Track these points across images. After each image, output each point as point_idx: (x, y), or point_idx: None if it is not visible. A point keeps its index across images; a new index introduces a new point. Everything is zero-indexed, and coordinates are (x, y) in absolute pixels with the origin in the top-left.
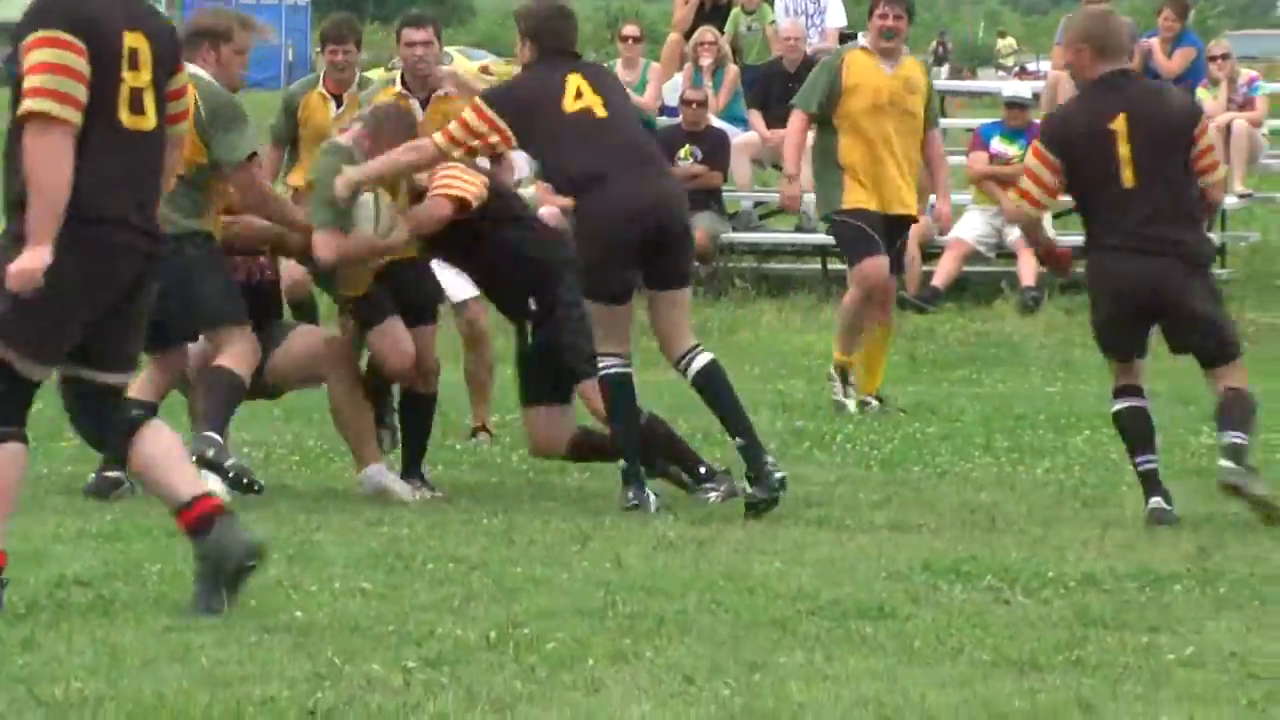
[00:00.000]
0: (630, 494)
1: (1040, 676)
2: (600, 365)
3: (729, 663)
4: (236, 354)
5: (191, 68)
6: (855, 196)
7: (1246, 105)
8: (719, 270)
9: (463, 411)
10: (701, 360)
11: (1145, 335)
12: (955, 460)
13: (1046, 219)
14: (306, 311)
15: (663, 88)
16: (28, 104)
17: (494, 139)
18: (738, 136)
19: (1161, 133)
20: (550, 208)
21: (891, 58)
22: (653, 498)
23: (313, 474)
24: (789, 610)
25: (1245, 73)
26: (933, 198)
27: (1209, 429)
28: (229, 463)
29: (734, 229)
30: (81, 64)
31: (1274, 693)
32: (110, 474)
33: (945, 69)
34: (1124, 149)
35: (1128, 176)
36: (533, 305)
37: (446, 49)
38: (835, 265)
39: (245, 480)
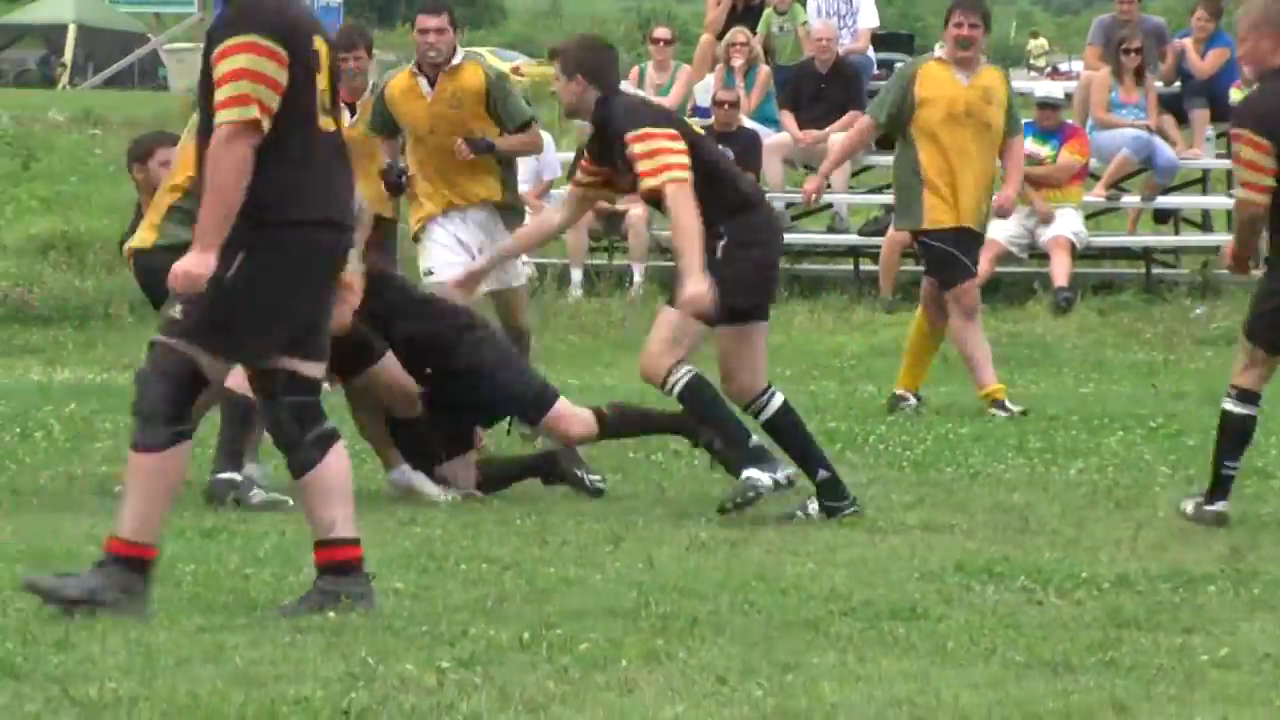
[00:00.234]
0: (776, 474)
1: (1074, 677)
2: (675, 376)
3: (762, 663)
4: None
5: None
6: (937, 215)
7: None
8: None
9: None
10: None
11: None
12: (988, 461)
13: (1077, 217)
14: None
15: (694, 88)
16: (233, 111)
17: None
18: (770, 137)
19: None
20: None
21: (968, 68)
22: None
23: None
24: (822, 611)
25: None
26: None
27: None
28: (256, 499)
29: None
30: (279, 72)
31: None
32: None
33: None
34: None
35: None
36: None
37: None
38: (867, 266)
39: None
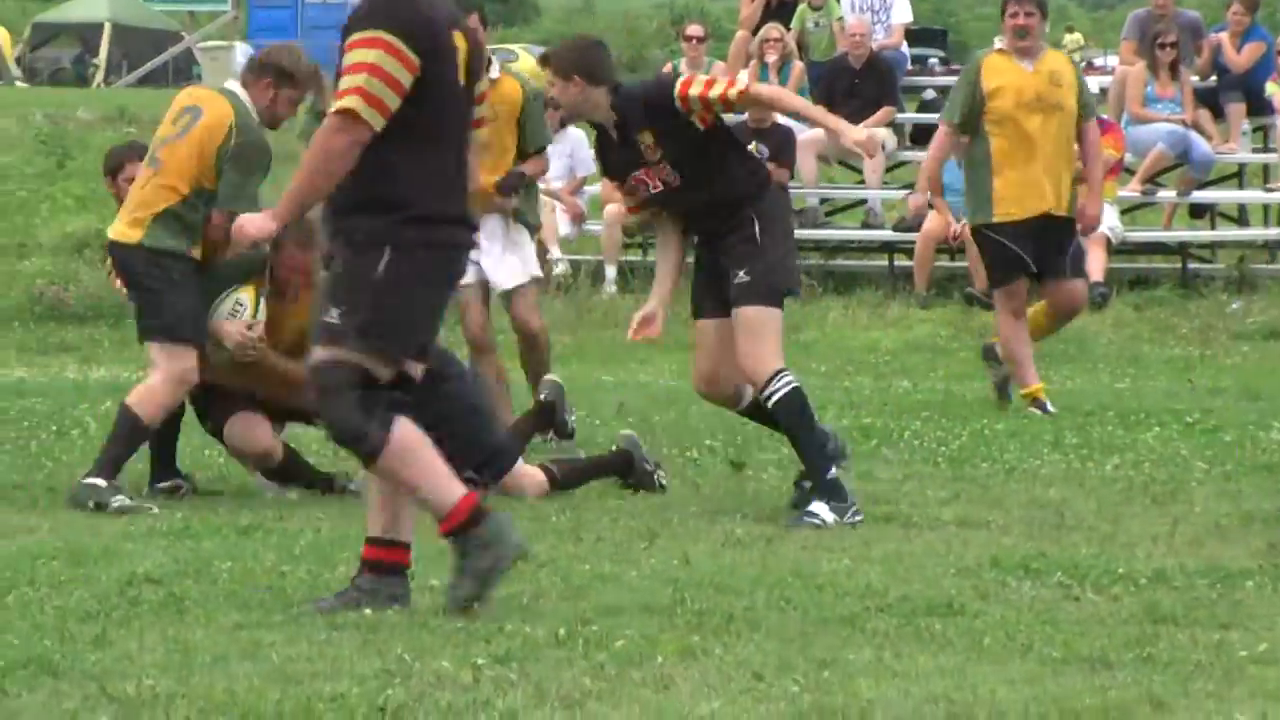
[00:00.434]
0: (847, 507)
1: (1111, 673)
2: (782, 379)
3: (798, 660)
4: (154, 386)
5: (240, 94)
6: (1004, 208)
7: None
8: None
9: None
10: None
11: None
12: (1024, 457)
13: (1113, 212)
14: None
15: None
16: (343, 100)
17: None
18: (803, 133)
19: None
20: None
21: (1030, 55)
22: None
23: None
24: (857, 607)
25: None
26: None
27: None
28: (116, 504)
29: (800, 225)
30: (404, 75)
31: None
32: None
33: None
34: None
35: None
36: None
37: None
38: (902, 261)
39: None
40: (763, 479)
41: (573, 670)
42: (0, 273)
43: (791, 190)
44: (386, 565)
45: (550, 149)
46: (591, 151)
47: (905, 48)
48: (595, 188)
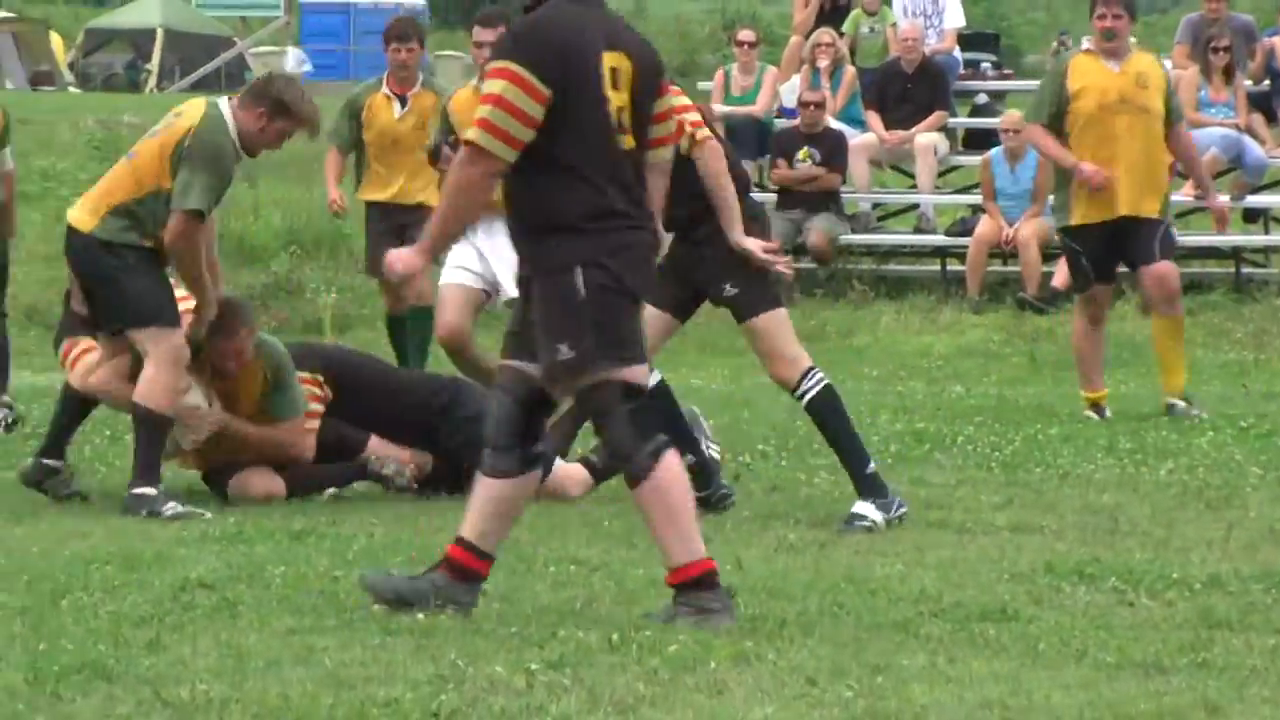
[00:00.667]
0: (889, 502)
1: (1165, 679)
2: (813, 376)
3: (851, 665)
4: (152, 375)
5: (224, 108)
6: (1083, 210)
7: None
8: (837, 272)
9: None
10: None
11: None
12: (1077, 462)
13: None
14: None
15: (781, 89)
16: (470, 132)
17: None
18: (855, 138)
19: None
20: None
21: (1117, 56)
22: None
23: None
24: (911, 612)
25: None
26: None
27: None
28: (169, 511)
29: (852, 230)
30: (532, 106)
31: None
32: (49, 462)
33: None
34: None
35: None
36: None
37: None
38: (954, 266)
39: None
40: (815, 484)
41: (626, 675)
42: (54, 277)
43: (843, 195)
44: (466, 571)
45: None
46: None
47: (958, 52)
48: None
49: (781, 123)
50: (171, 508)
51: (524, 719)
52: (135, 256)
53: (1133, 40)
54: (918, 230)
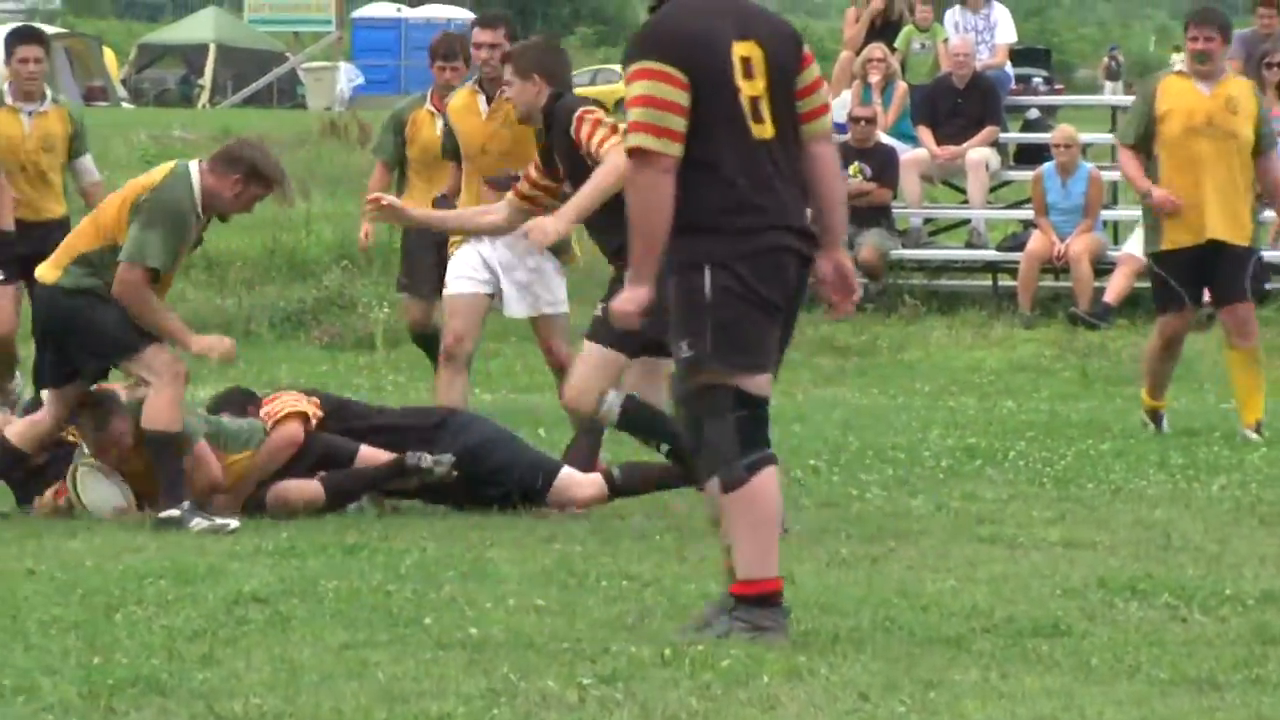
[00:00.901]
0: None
1: (1219, 695)
2: (606, 405)
3: (904, 680)
4: (157, 399)
5: (193, 171)
6: (1171, 235)
7: None
8: (888, 287)
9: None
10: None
11: None
12: (1129, 477)
13: None
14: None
15: (832, 104)
16: (629, 139)
17: None
18: (907, 153)
19: None
20: None
21: (1209, 79)
22: None
23: None
24: (963, 628)
25: None
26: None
27: None
28: (198, 527)
29: (903, 246)
30: (679, 95)
31: None
32: None
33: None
34: None
35: None
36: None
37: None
38: (1006, 281)
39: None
40: (867, 499)
41: (678, 690)
42: None
43: (895, 210)
44: (756, 597)
45: None
46: None
47: (1009, 67)
48: None
49: (836, 137)
50: (198, 523)
51: None
52: (98, 297)
53: (1228, 64)
54: (969, 245)
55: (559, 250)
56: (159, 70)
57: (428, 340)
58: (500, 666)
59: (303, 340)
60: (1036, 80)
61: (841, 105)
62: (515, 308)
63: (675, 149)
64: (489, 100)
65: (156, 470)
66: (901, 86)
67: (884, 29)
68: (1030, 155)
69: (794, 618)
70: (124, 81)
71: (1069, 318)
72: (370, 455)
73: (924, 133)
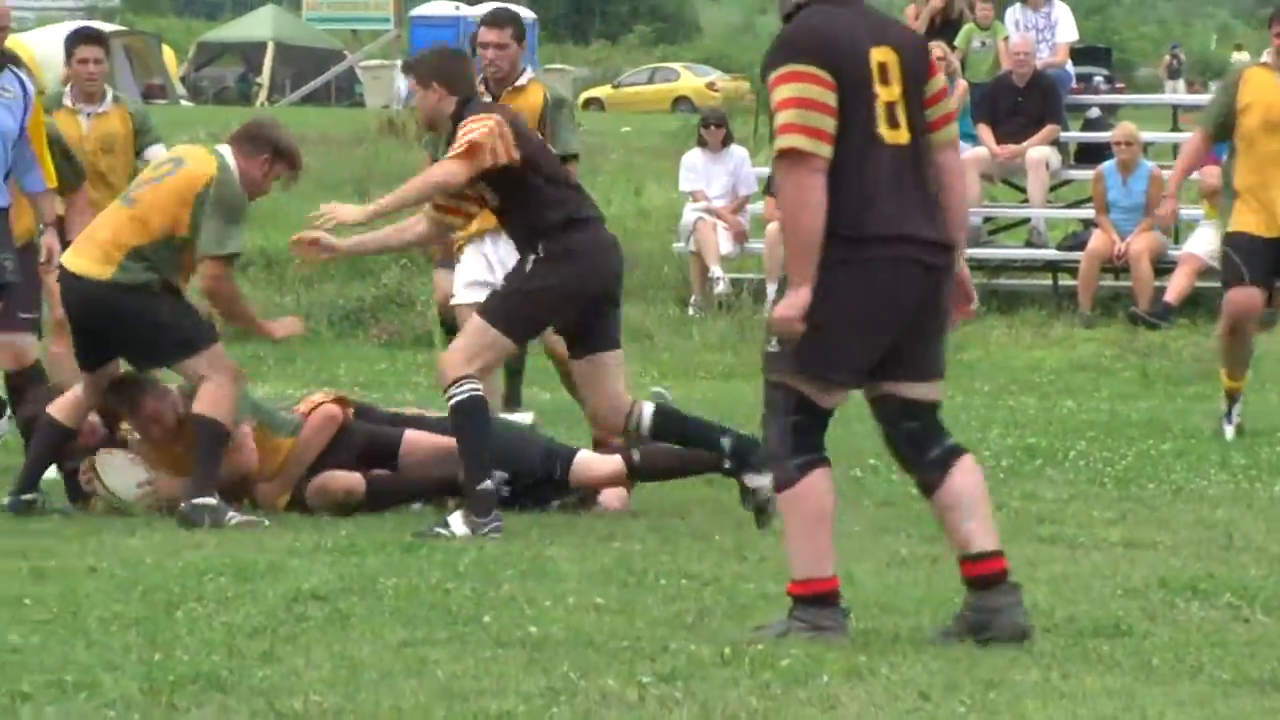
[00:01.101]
0: (484, 530)
1: None
2: (459, 389)
3: (964, 680)
4: (215, 390)
5: (228, 155)
6: (1241, 219)
7: None
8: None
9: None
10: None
11: None
12: (1191, 477)
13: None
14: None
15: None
16: (779, 141)
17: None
18: (967, 152)
19: None
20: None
21: None
22: None
23: None
24: None
25: None
26: None
27: None
28: (232, 521)
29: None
30: (827, 95)
31: None
32: (26, 497)
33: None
34: None
35: None
36: None
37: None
38: (1066, 280)
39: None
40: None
41: (738, 689)
42: None
43: None
44: (983, 578)
45: (714, 167)
46: (754, 170)
47: (1070, 66)
48: (758, 206)
49: None
50: (233, 516)
51: None
52: (157, 287)
53: None
54: (1029, 245)
55: None
56: (218, 68)
57: (452, 326)
58: (560, 665)
59: (361, 338)
60: (1097, 79)
61: None
62: None
63: (826, 150)
64: (495, 100)
65: (197, 456)
66: (962, 85)
67: (944, 27)
68: (1091, 154)
69: (853, 617)
70: (183, 79)
71: (1129, 317)
72: (414, 440)
73: (984, 131)
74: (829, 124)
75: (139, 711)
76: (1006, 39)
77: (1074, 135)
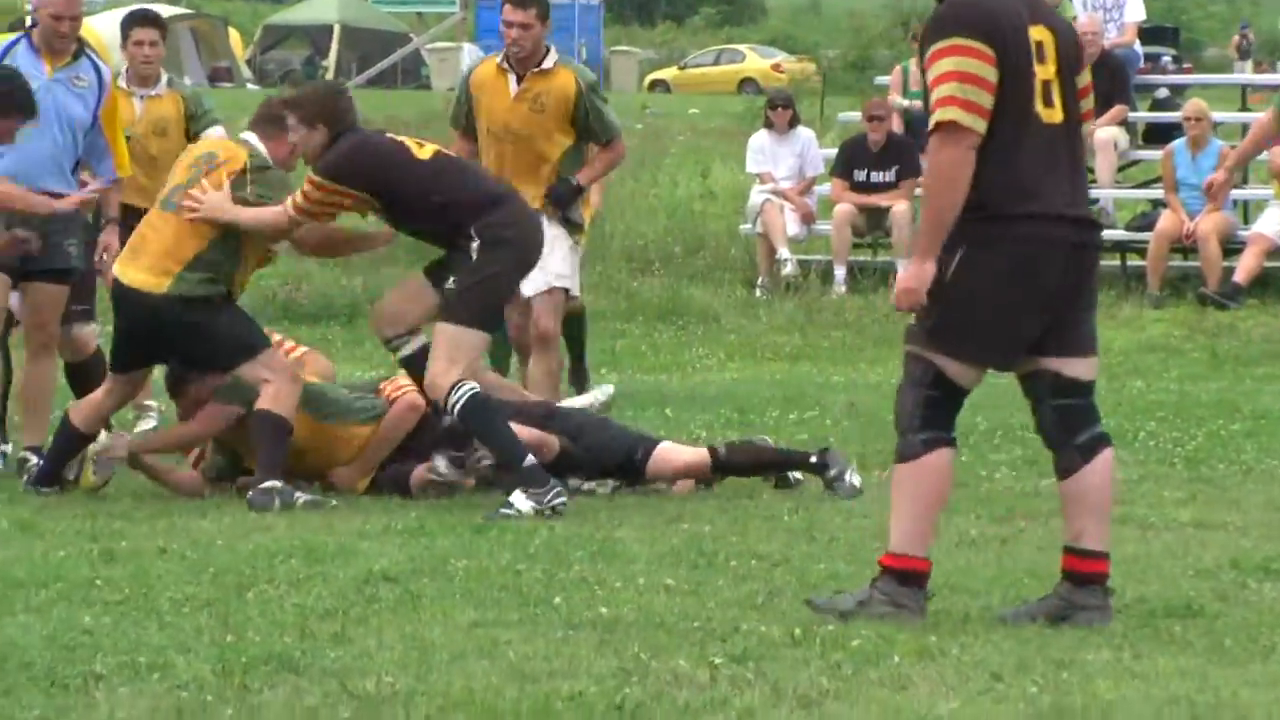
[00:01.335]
0: (542, 502)
1: None
2: (456, 395)
3: (1036, 660)
4: (277, 391)
5: (255, 141)
6: None
7: None
8: None
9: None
10: None
11: None
12: (1261, 457)
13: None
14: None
15: None
16: (937, 114)
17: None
18: None
19: None
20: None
21: None
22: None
23: None
24: None
25: None
26: None
27: None
28: (300, 500)
29: None
30: (988, 70)
31: None
32: (45, 490)
33: (1248, 63)
34: None
35: None
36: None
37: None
38: (1134, 261)
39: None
40: (996, 479)
41: (809, 670)
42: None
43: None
44: (1081, 575)
45: (780, 149)
46: (820, 152)
47: (1138, 46)
48: (825, 188)
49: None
50: (301, 497)
51: (708, 713)
52: (213, 304)
53: None
54: None
55: (574, 220)
56: (284, 51)
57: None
58: (631, 646)
59: None
60: (1165, 59)
61: None
62: (526, 286)
63: (982, 125)
64: (519, 80)
65: (259, 448)
66: None
67: None
68: (1159, 135)
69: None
70: (249, 62)
71: (1198, 298)
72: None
73: None
74: (987, 100)
75: (212, 693)
76: (1074, 19)
77: (1142, 115)
